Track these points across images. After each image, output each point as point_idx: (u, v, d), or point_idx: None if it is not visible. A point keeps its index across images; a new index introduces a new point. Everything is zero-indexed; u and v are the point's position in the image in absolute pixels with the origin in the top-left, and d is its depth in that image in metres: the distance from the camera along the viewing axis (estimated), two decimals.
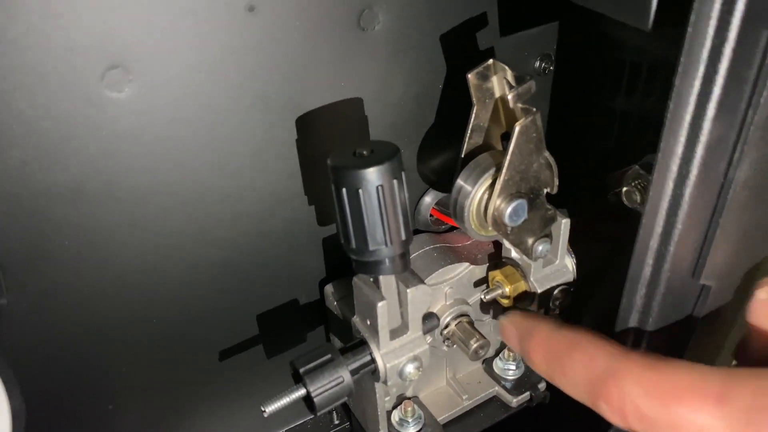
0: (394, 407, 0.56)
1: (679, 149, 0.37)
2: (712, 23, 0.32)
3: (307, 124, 0.47)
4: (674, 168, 0.38)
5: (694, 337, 0.46)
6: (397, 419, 0.56)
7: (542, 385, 0.59)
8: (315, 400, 0.45)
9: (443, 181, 0.55)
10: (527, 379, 0.60)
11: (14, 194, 0.40)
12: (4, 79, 0.37)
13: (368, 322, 0.48)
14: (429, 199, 0.58)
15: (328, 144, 0.49)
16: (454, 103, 0.52)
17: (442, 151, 0.54)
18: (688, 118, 0.36)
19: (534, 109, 0.43)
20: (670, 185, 0.39)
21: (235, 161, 0.46)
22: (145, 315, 0.49)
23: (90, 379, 0.50)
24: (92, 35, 0.37)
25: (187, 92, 0.42)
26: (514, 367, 0.60)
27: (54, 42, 0.37)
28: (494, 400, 0.60)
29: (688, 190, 0.39)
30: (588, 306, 0.58)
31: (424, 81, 0.50)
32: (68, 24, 0.37)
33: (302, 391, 0.45)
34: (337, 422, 0.64)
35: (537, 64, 0.55)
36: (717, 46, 0.33)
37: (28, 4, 0.35)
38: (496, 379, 0.60)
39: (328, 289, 0.55)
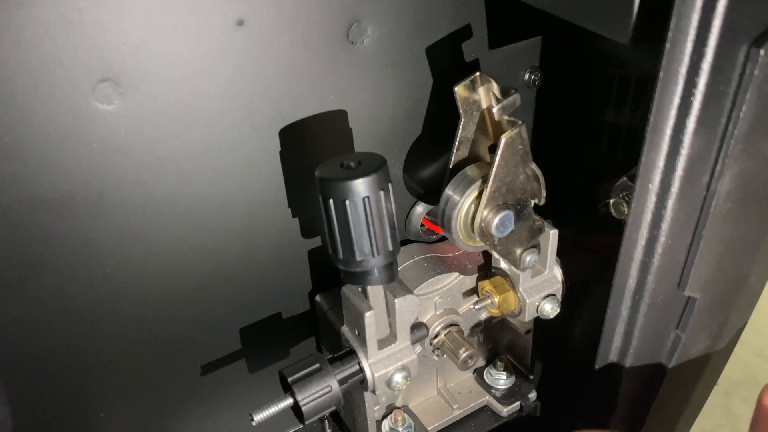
0: (385, 416, 0.57)
1: (661, 162, 0.38)
2: (690, 39, 0.33)
3: (295, 137, 0.48)
4: (656, 181, 0.39)
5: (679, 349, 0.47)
6: (387, 429, 0.56)
7: (533, 395, 0.60)
8: (303, 409, 0.45)
9: (431, 193, 0.56)
10: (518, 388, 0.60)
11: (4, 205, 0.40)
12: (1, 92, 0.37)
13: (356, 332, 0.48)
14: (420, 209, 0.58)
15: (318, 156, 0.49)
16: (442, 115, 0.52)
17: (430, 163, 0.55)
18: (668, 132, 0.36)
19: (520, 122, 0.43)
20: (652, 198, 0.39)
21: (224, 173, 0.47)
22: (135, 325, 0.49)
23: (81, 388, 0.50)
24: (83, 49, 0.38)
25: (176, 105, 0.43)
26: (504, 377, 0.60)
27: (45, 56, 0.37)
28: (485, 409, 0.60)
29: (671, 203, 0.39)
30: (577, 316, 0.58)
31: (413, 93, 0.51)
32: (60, 38, 0.37)
33: (290, 400, 0.45)
34: (329, 431, 0.64)
35: (526, 76, 0.56)
36: (695, 62, 0.34)
37: (21, 19, 0.36)
38: (487, 388, 0.60)
39: (319, 299, 0.55)
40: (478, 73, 0.44)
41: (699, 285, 0.43)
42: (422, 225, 0.59)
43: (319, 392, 0.46)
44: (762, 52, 0.33)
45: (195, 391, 0.56)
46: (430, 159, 0.54)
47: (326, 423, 0.64)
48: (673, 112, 0.36)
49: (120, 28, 0.39)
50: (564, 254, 0.52)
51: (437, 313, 0.54)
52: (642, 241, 0.41)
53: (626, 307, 0.44)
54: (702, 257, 0.42)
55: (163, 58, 0.41)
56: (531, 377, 0.60)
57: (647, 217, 0.40)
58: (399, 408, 0.57)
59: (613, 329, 0.45)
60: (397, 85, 0.50)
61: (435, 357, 0.55)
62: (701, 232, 0.40)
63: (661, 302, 0.44)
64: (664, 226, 0.40)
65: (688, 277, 0.43)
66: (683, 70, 0.34)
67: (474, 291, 0.55)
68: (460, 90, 0.45)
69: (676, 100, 0.35)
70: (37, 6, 0.36)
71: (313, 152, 0.49)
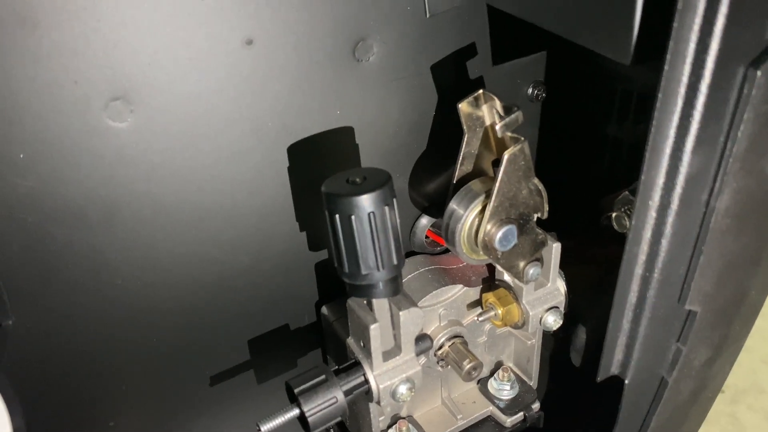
0: (390, 426, 0.57)
1: (660, 180, 0.38)
2: (688, 61, 0.34)
3: (301, 152, 0.49)
4: (656, 198, 0.39)
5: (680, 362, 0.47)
6: None
7: (536, 406, 0.60)
8: (309, 419, 0.46)
9: (435, 206, 0.57)
10: (521, 399, 0.61)
11: (19, 218, 0.41)
12: (12, 110, 0.38)
13: (362, 344, 0.49)
14: (425, 221, 0.59)
15: (322, 171, 0.50)
16: (446, 131, 0.53)
17: (434, 177, 0.56)
18: (667, 150, 0.37)
19: (522, 138, 0.44)
20: (652, 214, 0.40)
21: (231, 188, 0.48)
22: (144, 335, 0.50)
23: (91, 397, 0.51)
24: (96, 68, 0.39)
25: (185, 122, 0.44)
26: (508, 388, 0.61)
27: (60, 74, 0.38)
28: (488, 420, 0.61)
29: (671, 219, 0.40)
30: (580, 328, 0.59)
31: (417, 109, 0.52)
32: (74, 57, 0.38)
33: (297, 411, 0.46)
34: None
35: (530, 91, 0.57)
36: (693, 83, 0.34)
37: (38, 39, 0.37)
38: (491, 399, 0.61)
39: (325, 310, 0.56)
40: (481, 91, 0.45)
41: (699, 299, 0.44)
42: (427, 237, 0.59)
43: (325, 403, 0.46)
44: (759, 73, 0.34)
45: (202, 401, 0.57)
46: (434, 173, 0.55)
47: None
48: (672, 132, 0.36)
49: (132, 47, 0.40)
50: (566, 266, 0.53)
51: (441, 324, 0.55)
52: (643, 256, 0.42)
53: (628, 320, 0.45)
54: (702, 272, 0.42)
55: (173, 77, 0.42)
56: (534, 388, 0.61)
57: (648, 232, 0.41)
58: (403, 418, 0.58)
59: (614, 342, 0.46)
60: (402, 101, 0.51)
61: (439, 368, 0.56)
62: (701, 248, 0.41)
63: (662, 316, 0.44)
64: (665, 241, 0.41)
65: (688, 291, 0.43)
66: (682, 90, 0.35)
67: (478, 303, 0.56)
68: (463, 107, 0.46)
69: (675, 120, 0.36)
70: (54, 27, 0.37)
71: (319, 167, 0.50)
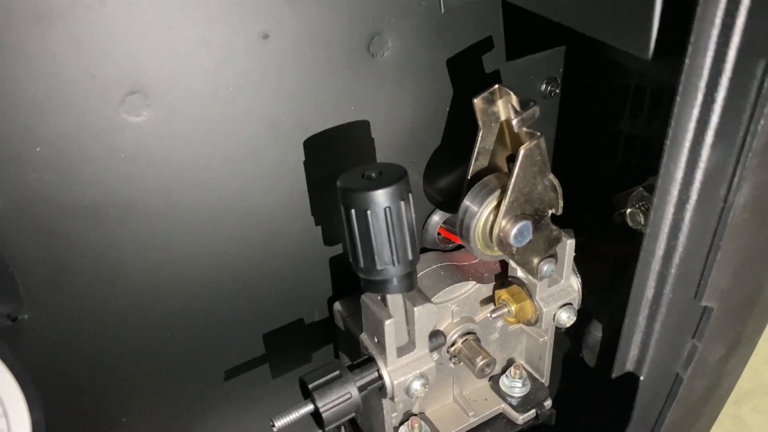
0: (402, 423, 0.57)
1: (679, 175, 0.38)
2: (709, 54, 0.34)
3: (316, 147, 0.49)
4: (674, 192, 0.39)
5: (696, 358, 0.47)
6: None
7: (548, 403, 0.60)
8: (323, 415, 0.46)
9: (449, 202, 0.57)
10: (533, 396, 0.61)
11: (36, 213, 0.41)
12: (30, 104, 0.38)
13: (376, 340, 0.49)
14: (437, 218, 0.59)
15: (337, 166, 0.50)
16: (461, 126, 0.53)
17: (448, 173, 0.55)
18: (687, 144, 0.37)
19: (538, 134, 0.44)
20: (670, 209, 0.40)
21: (247, 183, 0.48)
22: (159, 330, 0.50)
23: (105, 392, 0.51)
24: (114, 63, 0.39)
25: (201, 116, 0.44)
26: (520, 385, 0.61)
27: (78, 69, 0.38)
28: (500, 417, 0.61)
29: (689, 214, 0.40)
30: (592, 325, 0.59)
31: (432, 104, 0.52)
32: (91, 52, 0.38)
33: (311, 407, 0.46)
34: None
35: (543, 87, 0.57)
36: (714, 77, 0.34)
37: (56, 34, 0.37)
38: (503, 396, 0.61)
39: (337, 306, 0.56)
40: (497, 86, 0.45)
41: (716, 295, 0.44)
42: (439, 234, 0.59)
43: (339, 399, 0.46)
44: None
45: (215, 396, 0.57)
46: (449, 168, 0.55)
47: (342, 429, 0.65)
48: (691, 126, 0.36)
49: (149, 42, 0.40)
50: (579, 263, 0.53)
51: (454, 321, 0.55)
52: (660, 252, 0.41)
53: (643, 316, 0.45)
54: (719, 268, 0.42)
55: (190, 71, 0.42)
56: (546, 385, 0.61)
57: (665, 228, 0.41)
58: (415, 415, 0.58)
59: (630, 338, 0.46)
60: (416, 96, 0.51)
61: (452, 365, 0.56)
62: (718, 243, 0.41)
63: (678, 312, 0.44)
64: (682, 237, 0.41)
65: (705, 287, 0.43)
66: (702, 84, 0.34)
67: (490, 300, 0.56)
68: (479, 102, 0.46)
69: (695, 114, 0.36)
70: (72, 21, 0.37)
71: (333, 162, 0.50)
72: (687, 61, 0.34)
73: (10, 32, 0.36)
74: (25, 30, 0.36)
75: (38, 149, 0.40)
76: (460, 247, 0.60)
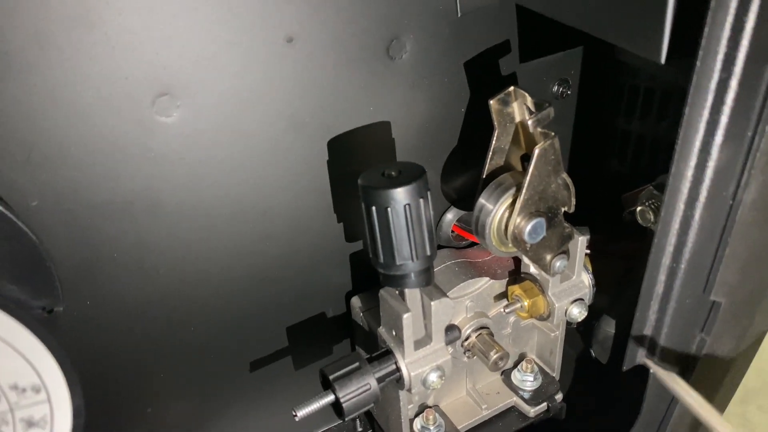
0: (417, 415, 0.59)
1: (689, 173, 0.40)
2: (719, 58, 0.35)
3: (337, 147, 0.50)
4: (684, 191, 0.41)
5: (704, 351, 0.49)
6: (419, 427, 0.58)
7: (559, 397, 0.62)
8: (344, 405, 0.47)
9: (464, 200, 0.58)
10: (544, 390, 0.62)
11: (70, 210, 0.43)
12: (67, 106, 0.40)
13: (394, 333, 0.50)
14: (450, 216, 0.60)
15: (357, 165, 0.52)
16: (476, 127, 0.55)
17: (463, 172, 0.57)
18: (697, 144, 0.38)
19: (552, 134, 0.45)
20: (681, 206, 0.41)
21: (270, 181, 0.49)
22: (184, 324, 0.52)
23: (132, 383, 0.53)
24: (146, 65, 0.41)
25: (227, 117, 0.45)
26: (531, 379, 0.62)
27: (113, 71, 0.40)
28: (512, 410, 0.62)
29: (698, 212, 0.41)
30: (602, 321, 0.60)
31: (447, 105, 0.53)
32: (125, 54, 0.40)
33: (331, 397, 0.47)
34: (360, 429, 0.66)
35: (555, 88, 0.58)
36: (724, 79, 0.36)
37: (93, 37, 0.39)
38: (514, 389, 0.62)
39: (355, 301, 0.58)
40: (512, 87, 0.47)
41: (724, 290, 0.45)
42: (452, 231, 0.61)
43: (359, 390, 0.48)
44: None
45: (235, 389, 0.58)
46: (463, 167, 0.57)
47: (357, 422, 0.66)
48: (702, 126, 0.38)
49: (179, 44, 0.41)
50: (592, 260, 0.54)
51: (468, 316, 0.56)
52: (670, 248, 0.43)
53: (654, 311, 0.46)
54: (727, 263, 0.44)
55: (217, 73, 0.44)
56: (557, 379, 0.62)
57: (675, 224, 0.42)
58: (430, 407, 0.59)
59: (641, 332, 0.47)
60: (432, 98, 0.52)
61: (465, 359, 0.57)
62: (727, 239, 0.42)
63: (688, 306, 0.46)
64: (692, 233, 0.42)
65: (713, 282, 0.44)
66: (712, 86, 0.36)
67: (503, 295, 0.57)
68: (494, 103, 0.47)
69: (706, 115, 0.37)
70: (107, 25, 0.39)
71: (352, 161, 0.52)
72: (698, 64, 0.36)
73: (52, 36, 0.37)
74: (66, 34, 0.38)
75: (72, 149, 0.42)
76: (473, 244, 0.61)
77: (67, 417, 0.35)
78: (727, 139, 0.38)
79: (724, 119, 0.37)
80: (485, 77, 0.53)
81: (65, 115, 0.40)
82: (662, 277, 0.45)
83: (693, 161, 0.39)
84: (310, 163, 0.50)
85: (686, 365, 0.48)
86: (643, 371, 0.50)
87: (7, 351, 0.32)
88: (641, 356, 0.49)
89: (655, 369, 0.47)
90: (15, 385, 0.33)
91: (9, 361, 0.32)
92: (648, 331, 0.47)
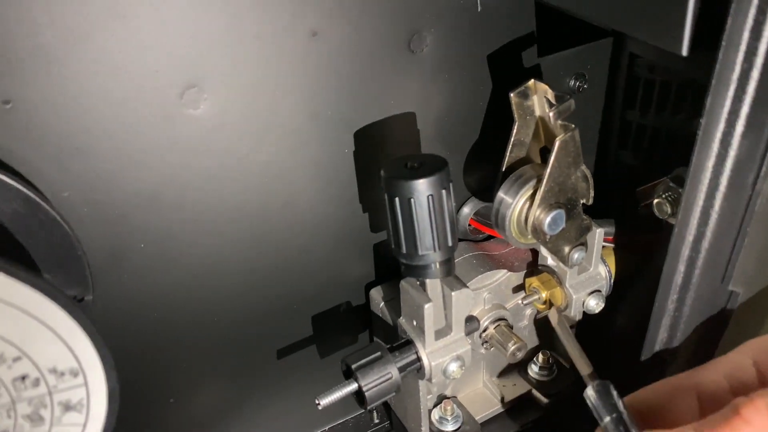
0: (435, 406, 0.60)
1: (710, 164, 0.40)
2: (742, 49, 0.36)
3: (360, 139, 0.51)
4: (705, 181, 0.41)
5: (722, 341, 0.49)
6: (437, 417, 0.59)
7: (574, 388, 0.62)
8: (366, 394, 0.48)
9: (483, 192, 0.59)
10: (559, 382, 0.63)
11: (100, 201, 0.44)
12: (100, 98, 0.41)
13: (414, 323, 0.51)
14: (467, 209, 0.61)
15: (378, 157, 0.53)
16: (495, 119, 0.55)
17: (483, 164, 0.58)
18: (718, 135, 0.39)
19: (573, 126, 0.46)
20: (701, 197, 0.42)
21: (294, 173, 0.50)
22: (207, 314, 0.53)
23: (155, 373, 0.53)
24: (176, 58, 0.42)
25: (252, 109, 0.46)
26: (547, 371, 0.63)
27: (144, 64, 0.41)
28: (528, 401, 0.63)
29: (718, 202, 0.42)
30: (619, 311, 0.61)
31: (467, 98, 0.54)
32: (156, 48, 0.41)
33: (354, 386, 0.48)
34: (377, 421, 0.67)
35: (572, 82, 0.59)
36: (746, 70, 0.36)
37: (125, 30, 0.39)
38: (530, 381, 0.63)
39: (374, 293, 0.58)
40: (532, 81, 0.47)
41: (742, 280, 0.46)
42: (470, 225, 0.62)
43: (381, 378, 0.49)
44: None
45: (257, 378, 0.59)
46: (483, 159, 0.57)
47: (374, 413, 0.67)
48: (723, 117, 0.38)
49: (209, 38, 0.42)
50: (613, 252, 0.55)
51: (486, 308, 0.57)
52: (690, 237, 0.44)
53: (672, 300, 0.47)
54: (746, 253, 0.44)
55: (243, 66, 0.44)
56: (572, 371, 0.63)
57: (696, 215, 0.43)
58: (448, 398, 0.60)
59: (659, 321, 0.48)
60: (452, 90, 0.53)
61: (483, 350, 0.58)
62: (746, 229, 0.43)
63: (706, 296, 0.46)
64: (711, 223, 0.43)
65: (732, 272, 0.45)
66: (734, 77, 0.37)
67: (521, 287, 0.58)
68: (514, 96, 0.48)
69: (727, 106, 0.38)
70: (140, 18, 0.40)
71: (376, 153, 0.52)
72: (720, 55, 0.36)
73: (87, 30, 0.38)
74: (100, 28, 0.39)
75: (103, 141, 0.42)
76: (489, 237, 0.62)
77: (102, 400, 0.35)
78: (747, 130, 0.38)
79: (745, 110, 0.37)
80: (504, 71, 0.54)
81: (97, 107, 0.41)
82: (682, 267, 0.45)
83: (714, 152, 0.40)
84: (332, 154, 0.51)
85: (704, 354, 0.49)
86: (661, 361, 0.51)
87: (48, 335, 0.32)
88: (659, 345, 0.49)
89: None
90: (54, 369, 0.34)
91: (49, 345, 0.33)
92: (667, 320, 0.48)
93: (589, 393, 0.41)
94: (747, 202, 0.42)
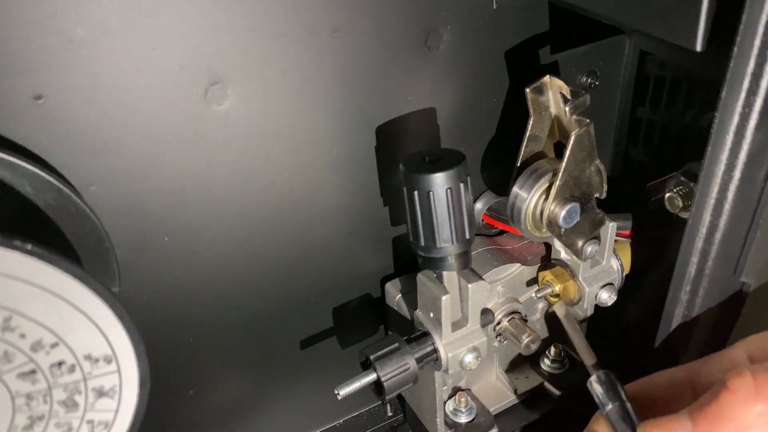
0: (449, 398, 0.60)
1: (724, 157, 0.41)
2: (756, 43, 0.37)
3: (380, 134, 0.52)
4: (719, 174, 0.42)
5: (734, 332, 0.50)
6: (451, 409, 0.60)
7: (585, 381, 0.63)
8: (384, 384, 0.49)
9: (498, 186, 0.60)
10: (571, 374, 0.64)
11: (125, 194, 0.45)
12: (128, 94, 0.42)
13: (431, 315, 0.52)
14: (480, 205, 0.62)
15: (397, 152, 0.54)
16: (511, 115, 0.56)
17: (498, 158, 0.59)
18: (732, 128, 0.40)
19: (588, 121, 0.47)
20: (715, 189, 0.43)
21: (315, 168, 0.51)
22: (228, 306, 0.54)
23: (176, 365, 0.54)
24: (202, 54, 0.43)
25: (275, 105, 0.47)
26: (559, 364, 0.64)
27: (173, 60, 0.42)
28: (541, 393, 0.64)
29: (731, 194, 0.43)
30: (631, 303, 0.62)
31: (482, 94, 0.55)
32: (184, 44, 0.42)
33: (373, 376, 0.49)
34: (390, 414, 0.68)
35: (584, 79, 0.60)
36: (760, 64, 0.37)
37: (155, 28, 0.41)
38: (542, 374, 0.64)
39: (389, 286, 0.59)
40: (547, 76, 0.48)
41: (753, 271, 0.47)
42: (483, 220, 0.63)
43: (399, 369, 0.49)
44: None
45: (276, 369, 0.60)
46: (499, 154, 0.58)
47: (388, 406, 0.68)
48: (737, 111, 0.39)
49: (234, 35, 0.43)
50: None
51: (500, 301, 0.58)
52: (703, 229, 0.45)
53: (686, 291, 0.48)
54: (758, 245, 0.45)
55: (267, 63, 0.45)
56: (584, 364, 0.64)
57: (709, 208, 0.44)
58: (462, 390, 0.61)
59: (672, 311, 0.49)
60: (468, 87, 0.54)
61: (496, 343, 0.59)
62: (758, 221, 0.44)
63: (718, 287, 0.47)
64: (724, 216, 0.44)
65: (744, 263, 0.46)
66: (749, 71, 0.38)
67: (534, 281, 0.59)
68: (530, 92, 0.49)
69: (741, 99, 0.39)
70: (169, 16, 0.41)
71: (394, 148, 0.53)
72: (735, 49, 0.37)
73: (117, 27, 0.39)
74: (128, 23, 0.40)
75: (130, 135, 0.43)
76: (502, 232, 0.63)
77: (134, 387, 0.36)
78: (760, 123, 0.39)
79: (759, 103, 0.38)
80: (518, 67, 0.55)
81: (125, 102, 0.42)
82: (695, 259, 0.46)
83: (728, 145, 0.41)
84: (349, 151, 0.52)
85: (716, 344, 0.50)
86: (674, 351, 0.52)
87: (84, 321, 0.33)
88: (673, 335, 0.50)
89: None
90: (89, 356, 0.34)
91: (85, 331, 0.33)
92: (680, 311, 0.49)
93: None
94: (759, 195, 0.43)
